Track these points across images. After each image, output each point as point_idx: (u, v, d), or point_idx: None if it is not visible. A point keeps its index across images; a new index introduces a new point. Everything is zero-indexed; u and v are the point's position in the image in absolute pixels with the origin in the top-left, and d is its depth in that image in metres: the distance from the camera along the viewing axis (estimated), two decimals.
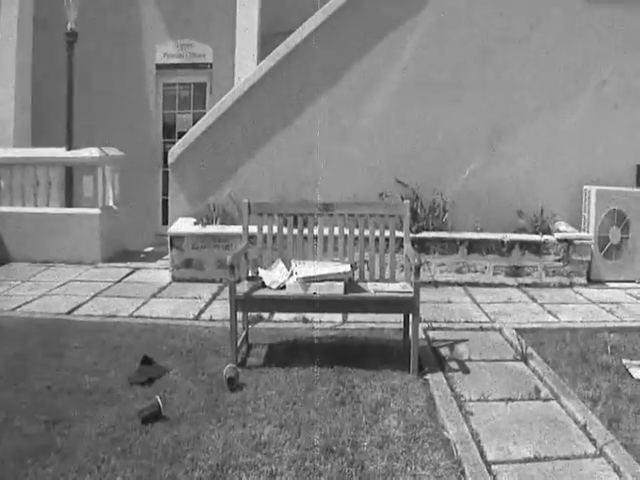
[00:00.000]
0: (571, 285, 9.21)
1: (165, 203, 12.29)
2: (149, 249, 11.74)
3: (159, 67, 13.75)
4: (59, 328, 7.10)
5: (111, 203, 11.28)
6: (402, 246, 6.65)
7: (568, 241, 9.27)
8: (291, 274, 6.17)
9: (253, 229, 6.59)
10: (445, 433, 4.75)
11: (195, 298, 8.45)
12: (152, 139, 13.81)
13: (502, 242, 9.27)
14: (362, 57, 9.95)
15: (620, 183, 9.85)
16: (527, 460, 4.39)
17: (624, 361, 6.13)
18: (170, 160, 10.32)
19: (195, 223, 9.77)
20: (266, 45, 12.08)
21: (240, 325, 6.36)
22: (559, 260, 9.26)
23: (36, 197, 10.87)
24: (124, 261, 10.57)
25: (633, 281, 9.48)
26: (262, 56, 11.15)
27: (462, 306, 8.21)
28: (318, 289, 5.94)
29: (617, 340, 6.75)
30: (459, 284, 9.23)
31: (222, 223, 9.74)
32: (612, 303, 8.34)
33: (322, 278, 5.97)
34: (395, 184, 9.83)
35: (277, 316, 7.54)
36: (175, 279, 9.39)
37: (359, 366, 5.96)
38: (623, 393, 5.46)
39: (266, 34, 12.73)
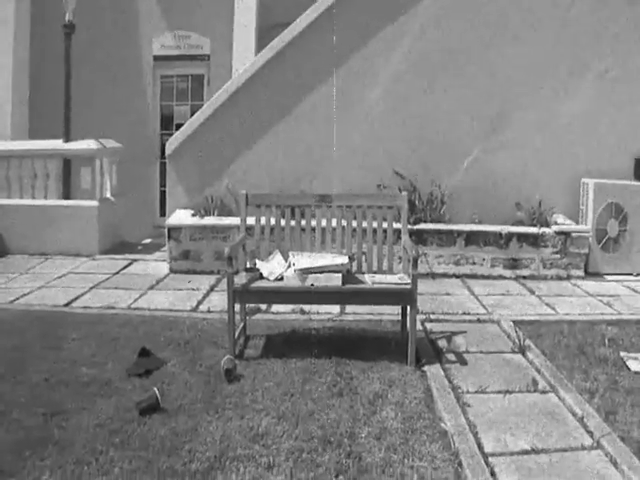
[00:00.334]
0: (569, 278, 9.22)
1: (163, 195, 12.29)
2: (147, 241, 11.74)
3: (156, 59, 13.73)
4: (57, 320, 7.10)
5: (109, 195, 11.26)
6: (400, 238, 6.66)
7: (566, 234, 9.28)
8: (289, 266, 6.17)
9: (251, 221, 6.58)
10: (442, 425, 4.75)
11: (193, 290, 8.45)
12: (150, 131, 13.79)
13: (500, 234, 9.27)
14: (360, 49, 9.93)
15: (618, 176, 9.86)
16: (524, 452, 4.40)
17: (621, 354, 6.14)
18: (168, 152, 10.31)
19: (193, 215, 9.76)
20: (264, 37, 12.07)
21: (238, 316, 6.36)
22: (557, 252, 9.27)
23: (34, 189, 10.86)
24: (122, 253, 10.57)
25: (631, 274, 9.49)
26: (260, 48, 11.13)
27: (460, 298, 8.21)
28: (316, 281, 5.94)
29: (615, 333, 6.75)
30: (457, 276, 9.23)
31: (220, 215, 9.74)
32: (610, 296, 8.35)
33: (320, 270, 5.97)
34: (393, 176, 9.82)
35: (275, 307, 7.54)
36: (173, 271, 9.39)
37: (357, 358, 5.96)
38: (620, 386, 5.47)
39: (264, 26, 12.72)
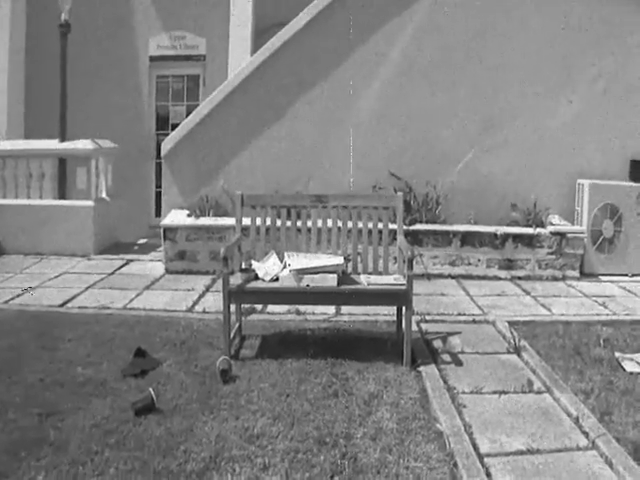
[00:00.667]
0: (564, 278, 9.23)
1: (158, 195, 12.26)
2: (142, 241, 11.73)
3: (152, 59, 13.71)
4: (52, 320, 7.09)
5: (104, 195, 11.26)
6: (395, 238, 6.65)
7: (561, 234, 9.29)
8: (284, 266, 6.17)
9: (246, 221, 6.59)
10: (438, 425, 4.76)
11: (188, 290, 8.44)
12: (145, 131, 13.78)
13: (495, 235, 9.28)
14: (356, 50, 9.94)
15: (613, 177, 9.88)
16: (520, 452, 4.40)
17: (617, 354, 6.15)
18: (163, 152, 10.31)
19: (188, 215, 9.76)
20: (260, 37, 12.06)
21: (233, 317, 6.36)
22: (552, 253, 9.28)
23: (29, 189, 10.84)
24: (117, 253, 10.57)
25: (626, 274, 9.51)
26: (256, 48, 11.12)
27: (455, 299, 8.22)
28: (311, 281, 5.95)
29: (610, 333, 6.76)
30: (452, 277, 9.24)
31: (215, 215, 9.73)
32: (605, 296, 8.36)
33: (315, 270, 5.98)
34: (389, 177, 9.83)
35: (270, 308, 7.54)
36: (168, 271, 9.38)
37: (352, 358, 5.96)
38: (615, 386, 5.48)
39: (260, 26, 12.71)
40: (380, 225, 6.59)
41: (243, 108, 10.10)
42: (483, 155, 10.06)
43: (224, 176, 10.04)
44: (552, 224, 9.46)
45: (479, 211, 9.77)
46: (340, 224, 6.58)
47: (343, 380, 5.55)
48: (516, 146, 10.07)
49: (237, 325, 6.53)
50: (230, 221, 8.99)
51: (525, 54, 9.95)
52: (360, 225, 6.59)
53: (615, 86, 10.04)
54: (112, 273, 9.33)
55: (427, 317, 7.32)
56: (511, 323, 7.04)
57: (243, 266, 6.52)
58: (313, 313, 7.38)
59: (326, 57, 10.01)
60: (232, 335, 6.18)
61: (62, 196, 10.85)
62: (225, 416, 4.87)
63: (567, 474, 4.14)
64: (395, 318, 6.59)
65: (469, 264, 9.28)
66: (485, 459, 4.30)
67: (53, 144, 10.93)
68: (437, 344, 6.52)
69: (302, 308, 7.41)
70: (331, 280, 5.97)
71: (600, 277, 9.41)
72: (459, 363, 6.02)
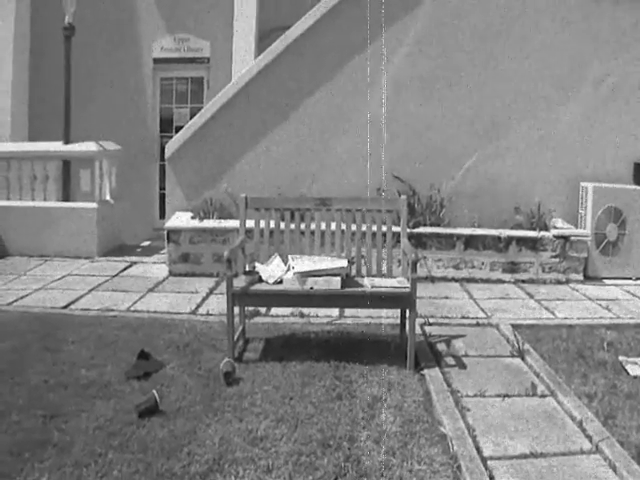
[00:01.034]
0: (567, 281, 9.22)
1: (162, 197, 12.28)
2: (146, 243, 11.74)
3: (156, 61, 13.72)
4: (56, 322, 7.10)
5: (108, 197, 11.26)
6: (399, 241, 6.66)
7: (565, 237, 9.28)
8: (288, 269, 6.17)
9: (250, 224, 6.58)
10: (441, 428, 4.76)
11: (192, 292, 8.45)
12: (149, 133, 13.79)
13: (499, 238, 9.28)
14: (359, 54, 9.92)
15: (617, 180, 9.88)
16: (523, 456, 4.40)
17: (620, 358, 6.14)
18: (167, 154, 10.32)
19: (192, 217, 9.76)
20: (264, 40, 12.09)
21: (237, 319, 6.36)
22: (556, 256, 9.27)
23: (33, 191, 10.85)
24: (121, 255, 10.57)
25: (630, 278, 9.50)
26: (260, 51, 11.14)
27: (459, 302, 8.21)
28: (315, 284, 5.94)
29: (613, 337, 6.75)
30: (456, 280, 9.23)
31: (219, 217, 9.73)
32: (609, 300, 8.35)
33: (319, 273, 5.97)
34: (392, 180, 9.82)
35: (274, 311, 7.54)
36: (172, 273, 9.38)
37: (356, 361, 5.97)
38: (619, 390, 5.47)
39: (264, 29, 12.74)
40: (384, 228, 6.59)
41: (246, 111, 10.11)
42: (487, 158, 10.06)
43: (228, 179, 10.05)
44: (556, 227, 9.46)
45: (483, 214, 9.77)
46: (344, 227, 6.58)
47: (347, 383, 5.55)
48: (520, 149, 10.07)
49: (241, 328, 6.53)
50: (234, 224, 9.00)
51: (529, 58, 9.95)
52: (364, 228, 6.59)
53: (619, 89, 10.03)
54: (116, 275, 9.34)
55: (431, 320, 7.31)
56: (515, 326, 7.03)
57: (247, 269, 6.52)
58: (317, 316, 7.38)
59: (329, 60, 10.01)
60: (236, 338, 6.18)
61: (66, 198, 10.85)
62: (229, 418, 4.87)
63: (571, 478, 4.14)
64: (399, 321, 6.58)
65: (473, 267, 9.27)
66: (488, 462, 4.30)
67: (57, 146, 10.94)
68: (441, 347, 6.52)
69: (306, 311, 7.41)
70: (335, 283, 5.96)
71: (604, 280, 9.40)
72: (463, 366, 6.02)
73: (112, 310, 7.62)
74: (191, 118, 10.81)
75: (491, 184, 10.00)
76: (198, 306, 7.86)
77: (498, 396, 5.38)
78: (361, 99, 9.96)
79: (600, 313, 7.78)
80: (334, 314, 7.47)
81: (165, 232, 9.51)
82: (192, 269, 9.37)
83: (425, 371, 5.82)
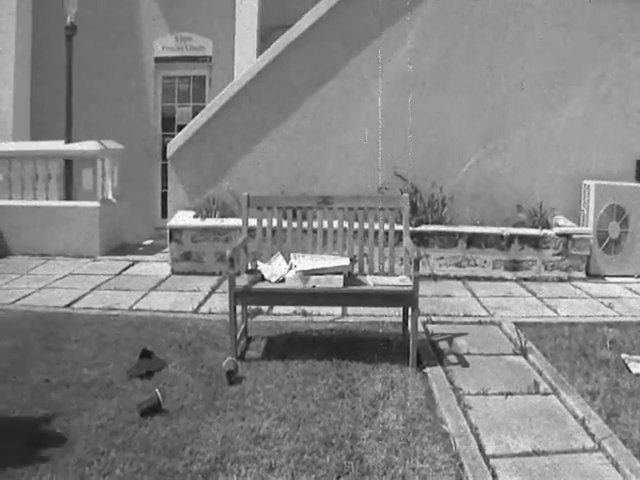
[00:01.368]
0: (570, 279, 9.21)
1: (164, 196, 12.28)
2: (148, 242, 11.74)
3: (158, 60, 13.72)
4: (58, 321, 7.10)
5: (110, 196, 11.27)
6: (401, 239, 6.65)
7: (567, 235, 9.27)
8: (290, 267, 6.17)
9: (252, 222, 6.58)
10: (444, 426, 4.75)
11: (194, 291, 8.45)
12: (151, 132, 13.79)
13: (501, 236, 9.27)
14: (361, 52, 9.91)
15: (620, 178, 9.86)
16: (526, 454, 4.40)
17: (623, 356, 6.13)
18: (169, 153, 10.31)
19: (194, 216, 9.76)
20: (266, 38, 12.08)
21: (239, 318, 6.36)
22: (558, 254, 9.26)
23: (35, 190, 10.85)
24: (123, 254, 10.57)
25: (632, 276, 9.48)
26: (262, 49, 11.13)
27: (461, 300, 8.21)
28: (317, 282, 5.94)
29: (616, 335, 6.74)
30: (458, 278, 9.23)
31: (221, 216, 9.73)
32: (611, 298, 8.34)
33: (321, 271, 5.97)
34: (394, 178, 9.81)
35: (276, 309, 7.54)
36: (174, 272, 9.39)
37: (358, 359, 5.96)
38: (622, 388, 5.46)
39: (266, 27, 12.73)
40: (386, 226, 6.59)
41: (249, 109, 10.10)
42: (489, 156, 10.05)
43: (230, 177, 10.05)
44: (558, 225, 9.45)
45: (485, 212, 9.77)
46: (346, 225, 6.58)
47: (349, 381, 5.55)
48: (522, 147, 10.06)
49: (243, 326, 6.53)
50: (236, 222, 8.99)
51: (531, 56, 9.93)
52: (366, 226, 6.59)
53: (621, 87, 10.02)
54: (118, 274, 9.34)
55: (433, 318, 7.31)
56: (517, 324, 7.03)
57: (249, 267, 6.51)
58: (319, 314, 7.38)
59: (331, 58, 10.00)
60: (238, 336, 6.18)
61: (68, 197, 10.85)
62: (231, 417, 4.87)
63: (573, 476, 4.13)
64: (401, 319, 6.59)
65: (475, 265, 9.27)
66: (491, 460, 4.29)
67: (59, 145, 10.94)
68: (443, 345, 6.51)
69: (308, 309, 7.41)
70: (337, 281, 5.96)
71: (606, 278, 9.39)
72: (465, 364, 6.02)
73: (114, 309, 7.62)
74: (193, 117, 10.82)
75: (493, 182, 9.99)
76: (200, 305, 7.87)
77: (501, 394, 5.38)
78: (363, 97, 9.96)
79: (602, 311, 7.77)
80: (336, 312, 7.47)
81: (167, 231, 9.51)
82: (194, 268, 9.37)
83: (427, 369, 5.82)
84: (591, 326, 7.04)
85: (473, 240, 9.29)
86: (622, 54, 10.00)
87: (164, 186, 12.52)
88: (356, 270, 6.49)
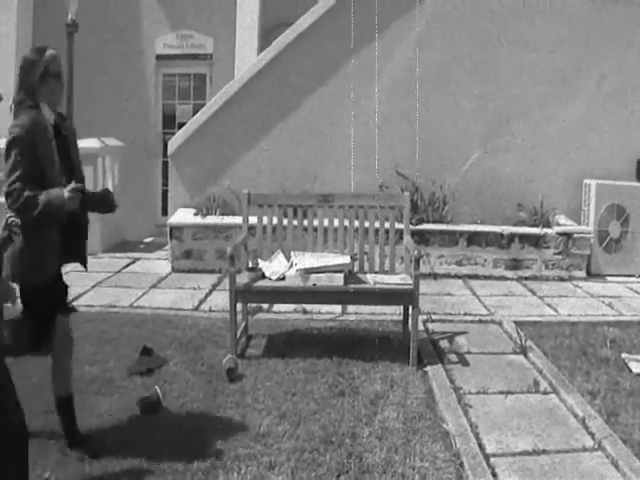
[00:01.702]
0: (570, 279, 9.21)
1: (165, 194, 12.27)
2: (149, 239, 11.73)
3: (159, 57, 13.70)
4: None
5: None
6: (402, 238, 6.65)
7: (568, 234, 9.27)
8: (291, 265, 6.18)
9: (253, 220, 6.59)
10: (444, 425, 4.76)
11: (195, 289, 8.45)
12: (152, 130, 13.79)
13: (502, 235, 9.27)
14: (362, 49, 9.90)
15: (620, 177, 9.85)
16: (526, 453, 4.40)
17: (623, 355, 6.13)
18: (170, 151, 10.31)
19: (195, 214, 9.76)
20: (267, 36, 12.07)
21: (240, 316, 6.36)
22: (559, 253, 9.26)
23: None
24: (124, 251, 10.57)
25: (633, 275, 9.47)
26: (263, 47, 11.13)
27: (462, 298, 8.21)
28: (318, 280, 5.95)
29: (616, 334, 6.74)
30: (458, 276, 9.22)
31: (222, 214, 9.72)
32: (611, 297, 8.34)
33: (322, 269, 5.98)
34: (395, 176, 9.81)
35: (277, 307, 7.53)
36: (175, 270, 9.38)
37: (358, 357, 5.97)
38: (622, 387, 5.47)
39: (267, 25, 12.71)
40: (387, 224, 6.60)
41: (249, 107, 10.10)
42: (490, 155, 10.04)
43: (230, 175, 10.04)
44: (559, 224, 9.45)
45: (486, 211, 9.76)
46: (347, 223, 6.58)
47: (349, 379, 5.55)
48: (523, 146, 10.05)
49: (243, 324, 6.53)
50: (237, 220, 8.98)
51: (533, 54, 9.93)
52: (367, 224, 6.59)
53: (621, 86, 10.02)
54: (118, 271, 9.34)
55: (433, 317, 7.31)
56: (517, 323, 7.03)
57: (250, 265, 6.52)
58: (319, 312, 7.38)
59: (332, 56, 9.99)
60: (238, 334, 6.18)
61: None
62: (231, 415, 4.88)
63: (573, 475, 4.14)
64: (401, 317, 6.59)
65: (476, 264, 9.27)
66: (491, 459, 4.30)
67: None
68: (443, 344, 6.52)
69: (308, 307, 7.41)
70: (338, 279, 5.97)
71: (607, 277, 9.39)
72: (465, 363, 6.02)
73: (115, 306, 7.63)
74: (194, 114, 10.82)
75: (494, 181, 9.98)
76: (201, 302, 7.87)
77: (501, 393, 5.38)
78: (364, 96, 9.94)
79: (603, 310, 7.78)
80: (337, 310, 7.47)
81: (168, 228, 9.51)
82: (195, 265, 9.36)
83: (428, 368, 5.82)
84: (591, 325, 7.04)
85: (474, 239, 9.29)
86: (623, 54, 9.98)
87: (165, 184, 12.51)
88: (356, 268, 6.49)
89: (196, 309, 7.61)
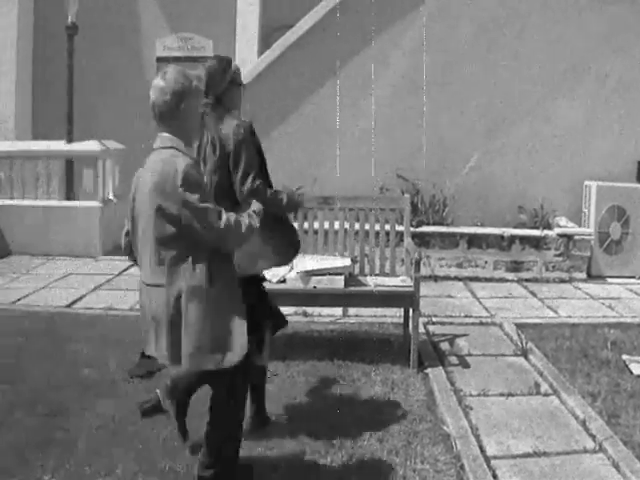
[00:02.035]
0: (571, 280, 9.21)
1: None
2: None
3: (159, 60, 13.71)
4: (59, 321, 7.10)
5: (111, 196, 11.26)
6: (402, 240, 6.65)
7: (568, 236, 9.27)
8: (291, 268, 6.16)
9: None
10: (445, 427, 4.75)
11: None
12: (152, 132, 13.74)
13: (502, 237, 9.27)
14: (362, 52, 9.91)
15: (621, 179, 9.85)
16: (526, 455, 4.40)
17: (624, 357, 6.13)
18: None
19: None
20: (267, 39, 12.08)
21: None
22: (559, 255, 9.26)
23: (36, 190, 10.85)
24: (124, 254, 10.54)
25: (633, 277, 9.47)
26: (263, 50, 11.14)
27: (462, 301, 8.21)
28: (318, 283, 5.94)
29: (617, 336, 6.74)
30: (459, 278, 9.22)
31: None
32: (612, 299, 8.34)
33: (322, 272, 5.96)
34: (396, 178, 9.81)
35: None
36: None
37: (359, 360, 5.96)
38: (622, 389, 5.46)
39: (267, 28, 12.73)
40: (387, 227, 6.59)
41: (248, 110, 10.06)
42: (490, 158, 10.04)
43: None
44: (559, 226, 9.44)
45: (486, 213, 9.76)
46: (347, 226, 6.57)
47: (350, 382, 5.55)
48: (523, 148, 10.05)
49: None
50: None
51: (532, 57, 9.93)
52: (367, 227, 6.59)
53: (622, 87, 10.02)
54: (119, 274, 9.34)
55: (434, 319, 7.31)
56: (518, 325, 7.02)
57: None
58: (320, 315, 7.37)
59: (332, 59, 9.98)
60: None
61: (69, 197, 10.86)
62: None
63: (574, 477, 4.13)
64: (402, 320, 6.58)
65: (476, 266, 9.26)
66: (492, 461, 4.29)
67: (60, 145, 10.95)
68: (444, 346, 6.51)
69: (309, 310, 7.39)
70: (338, 282, 5.96)
71: (607, 279, 9.39)
72: (466, 365, 6.02)
73: (115, 309, 7.62)
74: None
75: (494, 183, 9.99)
76: None
77: (501, 395, 5.38)
78: (364, 98, 9.95)
79: (603, 312, 7.77)
80: (337, 313, 7.47)
81: None
82: None
83: (428, 370, 5.82)
84: (592, 327, 7.03)
85: (474, 241, 9.29)
86: (624, 55, 9.98)
87: None
88: (357, 271, 6.48)
89: None
